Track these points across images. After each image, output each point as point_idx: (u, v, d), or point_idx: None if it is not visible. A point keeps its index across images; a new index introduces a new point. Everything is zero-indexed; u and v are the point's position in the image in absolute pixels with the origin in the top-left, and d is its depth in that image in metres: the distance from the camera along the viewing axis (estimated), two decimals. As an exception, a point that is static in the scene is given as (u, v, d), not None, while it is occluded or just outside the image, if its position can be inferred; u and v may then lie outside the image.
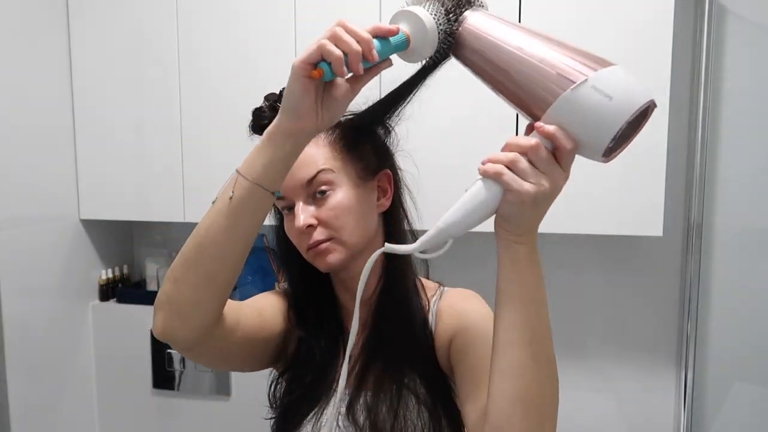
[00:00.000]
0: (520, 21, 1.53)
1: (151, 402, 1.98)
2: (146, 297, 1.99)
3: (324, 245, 0.76)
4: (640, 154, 1.50)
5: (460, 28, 0.63)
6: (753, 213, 1.71)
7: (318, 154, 0.77)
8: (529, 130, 0.59)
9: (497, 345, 0.61)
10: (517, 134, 1.56)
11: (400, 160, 0.87)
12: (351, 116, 0.81)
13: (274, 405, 0.86)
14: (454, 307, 0.81)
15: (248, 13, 1.71)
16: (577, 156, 0.61)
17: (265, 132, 0.65)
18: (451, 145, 1.57)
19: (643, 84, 0.56)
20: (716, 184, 1.71)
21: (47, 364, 1.84)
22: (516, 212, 0.58)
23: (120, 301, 2.01)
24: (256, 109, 0.79)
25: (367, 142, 0.81)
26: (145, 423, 1.99)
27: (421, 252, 0.62)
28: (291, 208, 0.77)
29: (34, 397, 1.78)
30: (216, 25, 1.74)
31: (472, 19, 0.63)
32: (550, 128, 0.57)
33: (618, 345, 1.85)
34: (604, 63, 0.58)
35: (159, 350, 1.93)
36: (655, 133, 1.49)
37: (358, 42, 0.58)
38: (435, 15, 0.62)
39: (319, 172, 0.75)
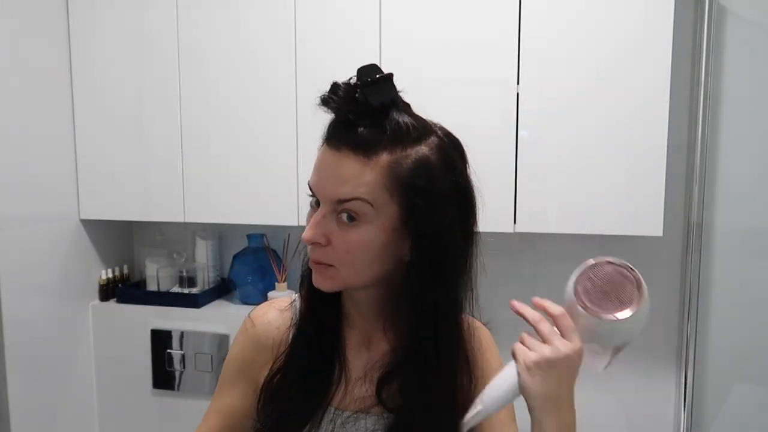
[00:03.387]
0: (520, 22, 1.53)
1: (151, 402, 1.98)
2: (146, 297, 1.99)
3: (323, 267, 0.69)
4: (640, 154, 1.51)
5: None
6: (753, 213, 1.71)
7: (367, 178, 0.64)
8: None
9: None
10: (516, 145, 1.56)
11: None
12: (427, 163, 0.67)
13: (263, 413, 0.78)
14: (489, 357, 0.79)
15: (249, 13, 1.71)
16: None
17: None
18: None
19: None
20: (716, 184, 1.71)
21: (47, 364, 1.84)
22: (526, 381, 0.63)
23: (120, 301, 2.01)
24: (334, 84, 0.66)
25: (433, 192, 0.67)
26: (145, 423, 1.99)
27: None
28: (319, 203, 0.68)
29: (34, 397, 1.78)
30: (217, 25, 1.74)
31: None
32: (540, 301, 0.66)
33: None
34: None
35: (159, 350, 1.93)
36: (655, 133, 1.49)
37: None
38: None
39: (354, 200, 0.64)
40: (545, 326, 0.64)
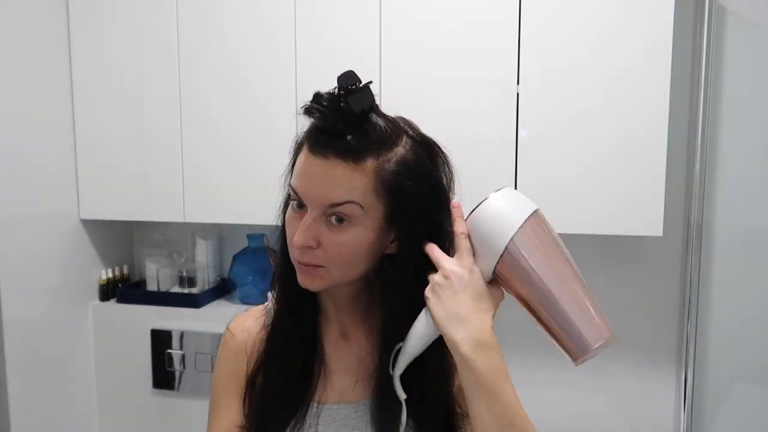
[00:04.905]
0: (520, 21, 1.53)
1: (151, 402, 1.98)
2: (146, 297, 1.99)
3: (312, 269, 0.71)
4: (640, 154, 1.51)
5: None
6: (753, 213, 1.71)
7: (357, 182, 0.67)
8: None
9: None
10: (516, 145, 1.56)
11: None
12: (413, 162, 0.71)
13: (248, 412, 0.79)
14: None
15: (248, 13, 1.71)
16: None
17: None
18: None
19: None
20: (716, 184, 1.71)
21: (47, 364, 1.84)
22: (428, 304, 0.69)
23: (120, 301, 2.01)
24: (317, 94, 0.68)
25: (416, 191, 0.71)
26: (145, 423, 1.99)
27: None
28: (302, 206, 0.70)
29: (34, 397, 1.78)
30: (216, 25, 1.74)
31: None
32: (455, 210, 0.72)
33: (618, 345, 1.84)
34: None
35: (159, 350, 1.93)
36: (655, 133, 1.49)
37: None
38: None
39: (347, 203, 0.67)
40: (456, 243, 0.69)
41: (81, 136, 1.90)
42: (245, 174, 1.77)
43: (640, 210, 1.52)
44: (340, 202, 0.67)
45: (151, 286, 2.04)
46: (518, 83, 1.55)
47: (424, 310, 0.69)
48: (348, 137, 0.67)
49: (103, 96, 1.86)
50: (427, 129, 0.75)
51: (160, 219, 1.89)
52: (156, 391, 1.96)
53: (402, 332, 0.71)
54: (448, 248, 0.71)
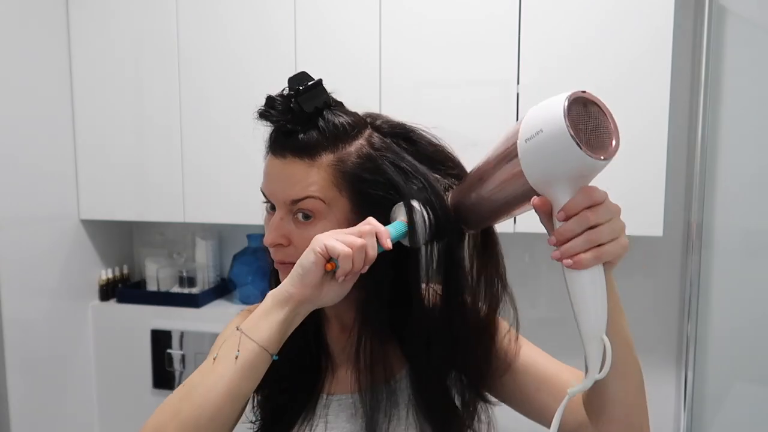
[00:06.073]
0: (520, 21, 1.53)
1: (151, 402, 1.98)
2: (146, 297, 1.99)
3: (289, 266, 0.70)
4: (640, 154, 1.51)
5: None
6: (753, 213, 1.71)
7: (314, 177, 0.69)
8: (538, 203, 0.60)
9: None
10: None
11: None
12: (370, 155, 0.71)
13: (258, 410, 0.81)
14: None
15: (248, 13, 1.71)
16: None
17: (270, 295, 0.65)
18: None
19: (558, 96, 0.57)
20: (716, 184, 1.71)
21: (47, 364, 1.84)
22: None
23: (120, 301, 2.01)
24: (269, 98, 0.72)
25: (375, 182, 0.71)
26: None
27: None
28: (273, 207, 0.73)
29: (34, 397, 1.78)
30: (216, 25, 1.74)
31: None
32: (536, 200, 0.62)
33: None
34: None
35: (159, 350, 1.93)
36: (655, 133, 1.49)
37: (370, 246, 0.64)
38: (424, 206, 0.68)
39: (307, 198, 0.69)
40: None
41: (81, 136, 1.90)
42: (245, 174, 1.77)
43: (640, 210, 1.52)
44: (300, 198, 0.69)
45: (151, 286, 2.04)
46: (518, 83, 1.55)
47: (577, 275, 0.59)
48: (301, 136, 0.69)
49: (103, 96, 1.86)
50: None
51: (160, 219, 1.89)
52: (156, 391, 1.96)
53: (382, 311, 0.72)
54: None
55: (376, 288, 0.72)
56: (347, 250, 0.62)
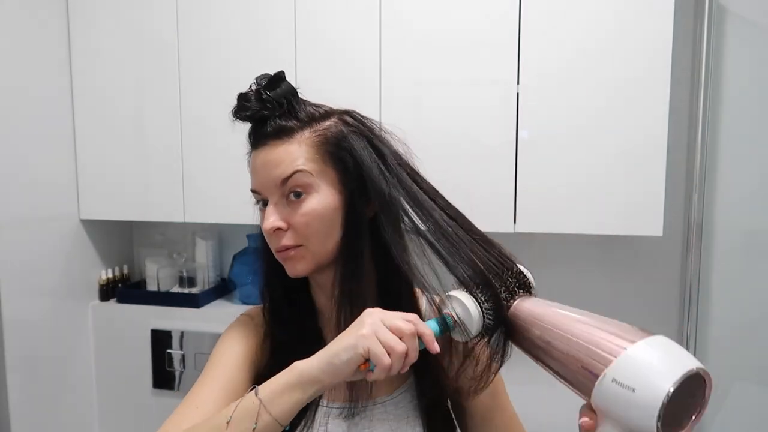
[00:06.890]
0: (520, 21, 1.53)
1: (151, 402, 1.98)
2: (146, 297, 1.99)
3: (292, 252, 0.73)
4: (640, 154, 1.51)
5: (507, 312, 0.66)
6: (753, 213, 1.71)
7: (297, 153, 0.71)
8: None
9: None
10: (516, 145, 1.56)
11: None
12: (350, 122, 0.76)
13: None
14: None
15: (248, 14, 1.71)
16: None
17: (298, 371, 0.63)
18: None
19: (676, 359, 0.51)
20: (716, 184, 1.71)
21: (47, 364, 1.84)
22: None
23: (120, 301, 2.01)
24: (241, 94, 0.74)
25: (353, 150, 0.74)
26: (145, 423, 1.99)
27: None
28: (266, 203, 0.75)
29: (34, 397, 1.78)
30: (216, 26, 1.74)
31: (516, 307, 0.66)
32: None
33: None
34: (634, 339, 0.54)
35: (159, 350, 1.93)
36: (655, 133, 1.49)
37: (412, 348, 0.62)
38: (483, 303, 0.65)
39: (294, 173, 0.71)
40: None
41: (81, 136, 1.90)
42: (245, 174, 1.76)
43: (640, 210, 1.52)
44: (288, 174, 0.71)
45: (151, 286, 2.04)
46: (518, 84, 1.55)
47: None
48: (277, 120, 0.73)
49: (103, 96, 1.86)
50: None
51: (160, 219, 1.89)
52: (156, 391, 1.96)
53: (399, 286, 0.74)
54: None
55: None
56: (386, 362, 0.60)
